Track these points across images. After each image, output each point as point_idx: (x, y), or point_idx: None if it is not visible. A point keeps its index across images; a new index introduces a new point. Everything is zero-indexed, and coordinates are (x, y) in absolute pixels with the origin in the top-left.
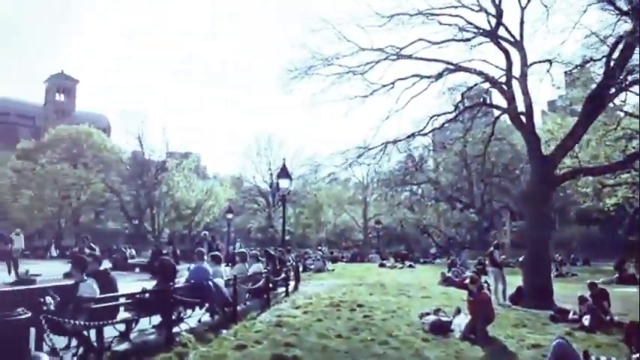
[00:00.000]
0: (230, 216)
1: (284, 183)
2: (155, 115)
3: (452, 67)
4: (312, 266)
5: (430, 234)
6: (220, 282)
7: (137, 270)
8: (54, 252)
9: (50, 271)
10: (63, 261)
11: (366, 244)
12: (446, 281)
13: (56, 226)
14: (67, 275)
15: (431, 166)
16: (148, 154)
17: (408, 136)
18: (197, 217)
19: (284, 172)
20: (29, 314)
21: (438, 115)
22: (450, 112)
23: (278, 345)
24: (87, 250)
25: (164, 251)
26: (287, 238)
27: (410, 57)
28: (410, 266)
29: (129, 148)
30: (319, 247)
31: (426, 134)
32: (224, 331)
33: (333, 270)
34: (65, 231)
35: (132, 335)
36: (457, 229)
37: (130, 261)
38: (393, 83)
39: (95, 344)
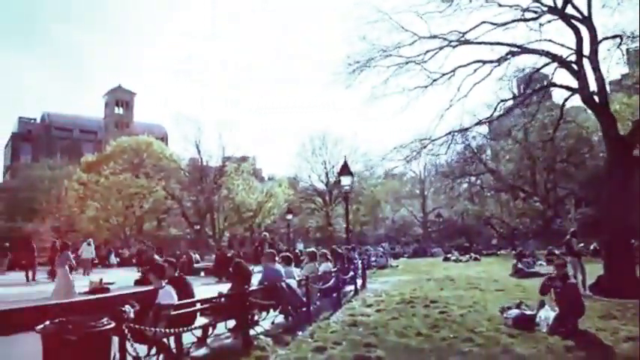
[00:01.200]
0: (290, 217)
1: (346, 180)
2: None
3: (516, 49)
4: (375, 263)
5: (492, 225)
6: (293, 283)
7: (202, 274)
8: (113, 260)
9: (114, 279)
10: (122, 269)
11: (426, 238)
12: (517, 273)
13: (122, 235)
14: (137, 282)
15: (489, 156)
16: (205, 159)
17: (476, 124)
18: (258, 219)
19: (346, 169)
20: (113, 324)
21: (505, 100)
22: (518, 97)
23: (358, 345)
24: (157, 257)
25: (228, 254)
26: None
27: (472, 42)
28: (475, 259)
29: (187, 155)
30: (381, 244)
31: (493, 120)
32: (300, 333)
33: (397, 266)
34: (130, 239)
35: (208, 340)
36: (521, 219)
37: (194, 265)
38: (453, 71)
39: (174, 351)
